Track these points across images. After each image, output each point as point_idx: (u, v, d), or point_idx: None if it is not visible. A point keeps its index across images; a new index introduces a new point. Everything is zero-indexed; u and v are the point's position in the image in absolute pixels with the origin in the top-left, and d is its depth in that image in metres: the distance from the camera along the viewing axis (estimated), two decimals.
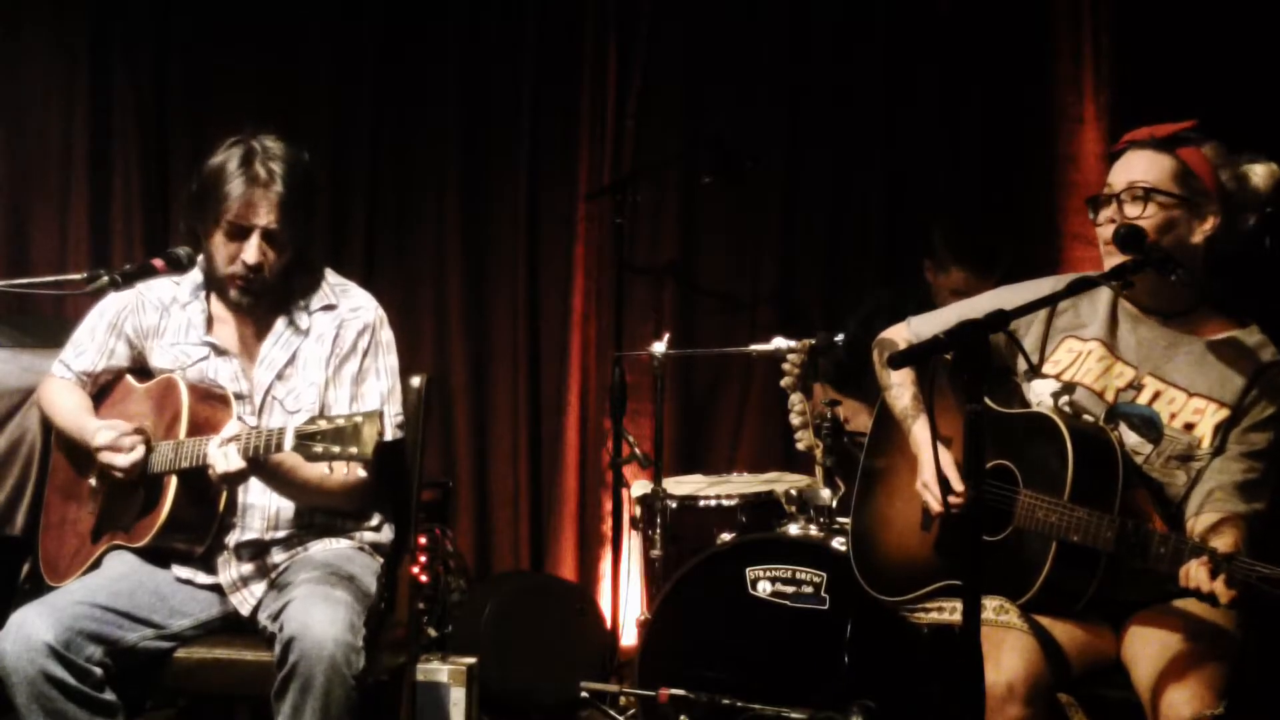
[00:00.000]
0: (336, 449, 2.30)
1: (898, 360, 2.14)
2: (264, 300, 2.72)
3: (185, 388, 2.65)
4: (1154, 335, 2.53)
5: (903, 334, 2.79)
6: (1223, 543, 2.23)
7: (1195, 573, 2.16)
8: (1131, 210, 2.45)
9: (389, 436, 2.70)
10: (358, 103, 4.67)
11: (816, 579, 3.08)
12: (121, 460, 2.60)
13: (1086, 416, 2.53)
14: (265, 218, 2.62)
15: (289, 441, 2.36)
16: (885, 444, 2.82)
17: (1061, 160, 4.38)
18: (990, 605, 2.40)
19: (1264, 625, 2.44)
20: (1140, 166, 2.48)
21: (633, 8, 4.61)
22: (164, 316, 2.78)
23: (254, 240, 2.63)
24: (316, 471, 2.55)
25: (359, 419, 2.30)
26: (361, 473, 2.28)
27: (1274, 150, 2.52)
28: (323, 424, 2.33)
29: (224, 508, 2.65)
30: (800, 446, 3.48)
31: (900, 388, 2.73)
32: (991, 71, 4.45)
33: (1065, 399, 2.56)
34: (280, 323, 2.75)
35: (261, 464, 2.50)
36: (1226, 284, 2.55)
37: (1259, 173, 2.48)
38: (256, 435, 2.44)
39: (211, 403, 2.67)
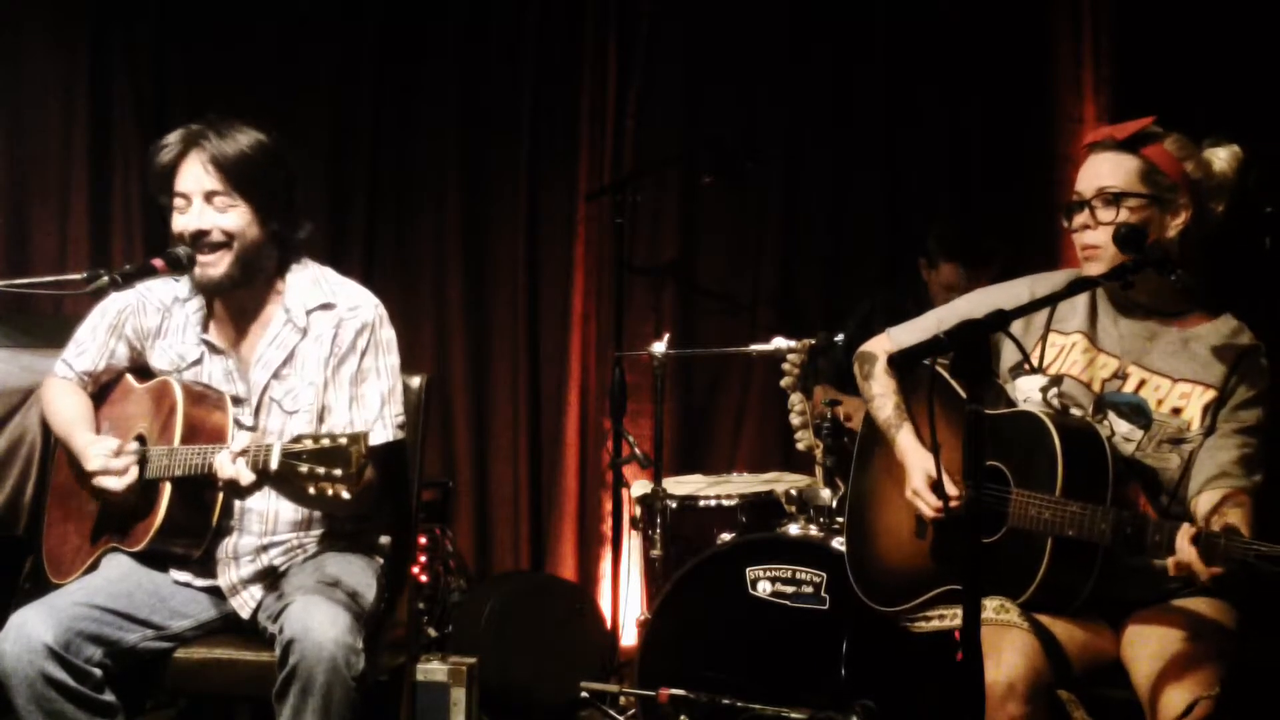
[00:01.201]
0: (321, 470, 2.29)
1: (899, 360, 2.13)
2: (249, 287, 2.68)
3: (180, 391, 2.63)
4: (1135, 327, 2.54)
5: (883, 345, 2.78)
6: (1225, 525, 2.20)
7: (1181, 545, 2.16)
8: (1104, 215, 2.45)
9: (390, 437, 2.70)
10: (358, 103, 4.68)
11: (816, 579, 3.09)
12: (114, 484, 2.56)
13: (1075, 409, 2.53)
14: (199, 174, 2.59)
15: (275, 461, 2.34)
16: (872, 456, 2.81)
17: (1061, 160, 4.38)
18: (990, 605, 2.40)
19: (1263, 610, 2.43)
20: (1106, 170, 2.47)
21: (633, 8, 4.61)
22: (165, 317, 2.77)
23: (195, 204, 2.61)
24: None
25: (343, 440, 2.29)
26: (346, 495, 2.27)
27: (1275, 150, 2.52)
28: (308, 444, 2.31)
29: (220, 513, 2.63)
30: (800, 446, 3.48)
31: (882, 398, 2.73)
32: (991, 72, 4.45)
33: (1054, 391, 2.56)
34: (276, 321, 2.72)
35: (269, 474, 2.47)
36: (1204, 276, 2.54)
37: (1221, 156, 2.48)
38: (255, 448, 2.42)
39: (206, 407, 2.64)
